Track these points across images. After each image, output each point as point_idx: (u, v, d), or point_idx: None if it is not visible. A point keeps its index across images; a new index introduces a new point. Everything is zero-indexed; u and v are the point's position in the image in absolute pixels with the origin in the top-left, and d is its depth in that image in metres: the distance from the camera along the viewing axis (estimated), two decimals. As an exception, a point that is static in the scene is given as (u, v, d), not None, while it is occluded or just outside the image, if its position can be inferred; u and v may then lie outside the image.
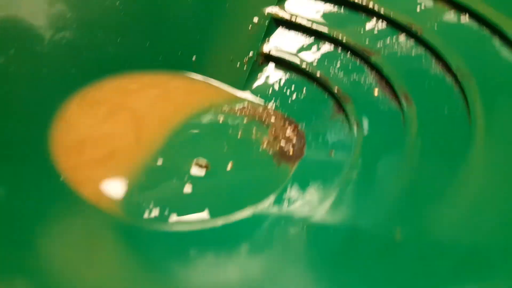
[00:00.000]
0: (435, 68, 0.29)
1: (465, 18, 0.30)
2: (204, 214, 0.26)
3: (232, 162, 0.30)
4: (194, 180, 0.29)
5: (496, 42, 0.27)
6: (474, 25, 0.29)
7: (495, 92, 0.25)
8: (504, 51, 0.26)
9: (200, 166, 0.30)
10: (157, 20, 0.38)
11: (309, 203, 0.25)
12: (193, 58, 0.38)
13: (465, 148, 0.24)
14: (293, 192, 0.28)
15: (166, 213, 0.26)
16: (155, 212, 0.26)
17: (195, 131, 0.33)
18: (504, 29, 0.27)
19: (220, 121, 0.34)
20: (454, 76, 0.27)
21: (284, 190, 0.29)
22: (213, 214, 0.27)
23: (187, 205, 0.27)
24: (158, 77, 0.36)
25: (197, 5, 0.38)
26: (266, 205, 0.27)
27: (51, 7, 0.34)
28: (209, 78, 0.38)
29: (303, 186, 0.27)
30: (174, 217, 0.26)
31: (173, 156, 0.30)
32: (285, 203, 0.26)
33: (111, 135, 0.30)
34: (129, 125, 0.31)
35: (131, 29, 0.37)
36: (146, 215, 0.26)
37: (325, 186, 0.26)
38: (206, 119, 0.34)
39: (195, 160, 0.30)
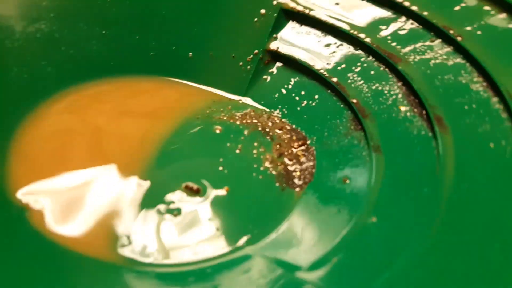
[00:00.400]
0: (478, 85, 0.24)
1: (518, 24, 0.24)
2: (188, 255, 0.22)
3: (228, 187, 0.26)
4: (182, 209, 0.25)
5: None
6: (530, 33, 0.24)
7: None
8: None
9: (191, 189, 0.25)
10: (149, 9, 0.33)
11: (305, 253, 0.21)
12: (190, 55, 0.34)
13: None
14: (294, 230, 0.23)
15: (144, 250, 0.22)
16: (132, 251, 0.22)
17: (187, 145, 0.28)
18: None
19: (217, 132, 0.30)
20: (502, 99, 0.22)
21: (286, 220, 0.24)
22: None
23: (169, 242, 0.23)
24: (146, 81, 0.31)
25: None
26: (259, 246, 0.23)
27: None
28: (206, 80, 0.33)
29: (306, 225, 0.23)
30: (153, 257, 0.22)
31: (160, 179, 0.26)
32: (280, 247, 0.22)
33: (88, 159, 0.25)
34: (109, 143, 0.26)
35: (118, 20, 0.32)
36: (124, 254, 0.22)
37: (330, 231, 0.22)
38: (201, 130, 0.30)
39: (184, 185, 0.25)
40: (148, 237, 0.23)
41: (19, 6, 0.29)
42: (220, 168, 0.27)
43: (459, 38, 0.26)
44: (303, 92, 0.32)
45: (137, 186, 0.25)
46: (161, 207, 0.24)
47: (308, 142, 0.30)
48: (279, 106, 0.32)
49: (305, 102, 0.31)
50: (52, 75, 0.29)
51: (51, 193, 0.24)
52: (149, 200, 0.25)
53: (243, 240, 0.23)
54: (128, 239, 0.23)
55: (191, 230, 0.24)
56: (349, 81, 0.30)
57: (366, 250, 0.20)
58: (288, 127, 0.31)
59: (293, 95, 0.32)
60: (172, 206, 0.25)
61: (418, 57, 0.27)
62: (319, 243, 0.22)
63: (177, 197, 0.25)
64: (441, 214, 0.20)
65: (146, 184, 0.25)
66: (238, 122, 0.31)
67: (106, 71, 0.31)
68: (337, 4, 0.32)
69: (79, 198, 0.24)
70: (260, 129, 0.31)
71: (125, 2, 0.32)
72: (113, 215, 0.23)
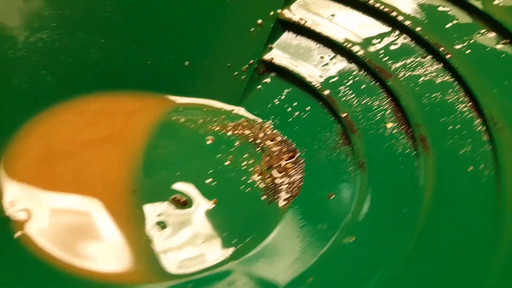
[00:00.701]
0: (463, 105, 0.24)
1: (506, 46, 0.24)
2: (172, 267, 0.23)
3: (216, 200, 0.27)
4: (168, 222, 0.25)
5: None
6: (518, 55, 0.24)
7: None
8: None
9: (178, 202, 0.26)
10: (148, 18, 0.33)
11: (285, 271, 0.22)
12: (186, 64, 0.34)
13: (494, 228, 0.19)
14: (276, 246, 0.24)
15: (128, 264, 0.23)
16: (116, 264, 0.23)
17: (177, 156, 0.29)
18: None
19: (209, 143, 0.31)
20: (484, 121, 0.22)
21: (270, 235, 0.25)
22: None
23: (153, 256, 0.24)
24: (140, 93, 0.32)
25: (194, 2, 0.33)
26: (242, 262, 0.23)
27: (27, 4, 0.30)
28: (201, 90, 0.34)
29: (288, 241, 0.24)
30: (136, 270, 0.23)
31: (147, 190, 0.27)
32: (262, 263, 0.23)
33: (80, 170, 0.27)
34: (107, 154, 0.27)
35: (117, 29, 0.33)
36: (107, 269, 0.23)
37: (311, 248, 0.22)
38: (193, 140, 0.30)
39: (172, 197, 0.26)
40: (132, 252, 0.24)
41: (23, 16, 0.30)
42: (209, 180, 0.28)
43: (448, 56, 0.26)
44: (295, 103, 0.32)
45: (124, 196, 0.26)
46: (148, 219, 0.25)
47: (298, 154, 0.30)
48: (272, 117, 0.33)
49: (297, 113, 0.32)
50: (51, 84, 0.30)
51: (38, 209, 0.25)
52: (136, 211, 0.26)
53: (226, 255, 0.24)
54: (113, 252, 0.24)
55: (176, 244, 0.24)
56: (340, 94, 0.30)
57: (342, 269, 0.21)
58: (279, 139, 0.31)
59: (286, 106, 0.33)
60: (158, 218, 0.26)
61: (408, 73, 0.28)
62: (298, 261, 0.22)
63: (164, 210, 0.26)
64: (416, 236, 0.20)
65: (133, 194, 0.26)
66: (230, 133, 0.32)
67: (104, 81, 0.32)
68: (332, 15, 0.32)
69: (62, 214, 0.25)
70: (251, 140, 0.31)
71: (124, 11, 0.33)
72: (97, 227, 0.24)
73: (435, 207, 0.21)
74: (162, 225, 0.25)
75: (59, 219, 0.24)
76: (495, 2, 0.26)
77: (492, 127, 0.22)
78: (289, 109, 0.32)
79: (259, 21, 0.34)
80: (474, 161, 0.21)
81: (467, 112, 0.24)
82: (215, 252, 0.24)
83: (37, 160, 0.26)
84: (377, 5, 0.30)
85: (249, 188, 0.28)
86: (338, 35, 0.31)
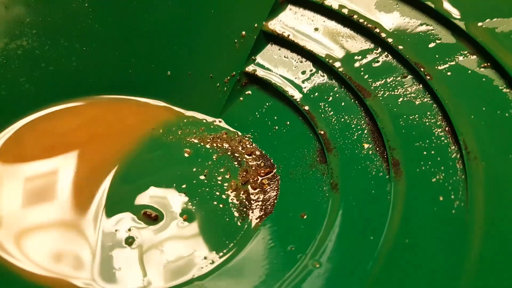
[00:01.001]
0: (440, 129, 0.24)
1: (487, 70, 0.24)
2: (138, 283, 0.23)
3: (187, 216, 0.26)
4: (137, 237, 0.25)
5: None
6: (497, 80, 0.23)
7: (504, 186, 0.19)
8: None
9: (149, 216, 0.26)
10: (130, 27, 0.33)
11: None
12: (168, 73, 0.34)
13: (461, 254, 0.19)
14: (243, 266, 0.24)
15: (93, 278, 0.23)
16: (80, 278, 0.23)
17: (152, 169, 0.29)
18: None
19: (186, 155, 0.30)
20: (459, 149, 0.22)
21: (239, 254, 0.25)
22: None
23: (118, 272, 0.24)
24: (120, 100, 0.32)
25: (177, 12, 0.33)
26: (207, 281, 0.23)
27: (7, 11, 0.30)
28: (182, 100, 0.33)
29: (256, 262, 0.23)
30: (101, 286, 0.23)
31: (119, 203, 0.26)
32: (227, 284, 0.23)
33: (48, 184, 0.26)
34: (70, 163, 0.27)
35: (99, 36, 0.32)
36: (73, 282, 0.23)
37: (276, 271, 0.22)
38: (170, 153, 0.30)
39: (143, 211, 0.26)
40: (98, 265, 0.24)
41: (3, 23, 0.30)
42: (182, 195, 0.27)
43: (428, 78, 0.25)
44: (276, 117, 0.32)
45: (93, 209, 0.26)
46: (117, 234, 0.25)
47: (275, 170, 0.30)
48: (252, 130, 0.32)
49: (276, 127, 0.31)
50: (30, 92, 0.30)
51: (8, 213, 0.25)
52: (105, 226, 0.25)
53: (192, 274, 0.24)
54: (79, 266, 0.24)
55: (142, 261, 0.24)
56: (320, 110, 0.30)
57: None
58: (258, 153, 0.31)
59: (266, 119, 0.32)
60: (127, 234, 0.25)
61: (387, 93, 0.27)
62: (262, 284, 0.22)
63: (134, 224, 0.25)
64: (380, 265, 0.20)
65: (103, 207, 0.26)
66: (208, 145, 0.31)
67: (84, 89, 0.32)
68: (316, 29, 0.31)
69: (32, 221, 0.25)
70: (229, 153, 0.31)
71: (107, 19, 0.33)
72: (66, 240, 0.24)
73: (401, 237, 0.20)
74: (130, 240, 0.25)
75: (27, 226, 0.24)
76: (478, 24, 0.25)
77: (465, 155, 0.21)
78: (269, 122, 0.32)
79: (243, 32, 0.33)
80: (446, 190, 0.21)
81: (443, 138, 0.23)
82: (181, 271, 0.24)
83: (8, 166, 0.26)
84: (361, 20, 0.30)
85: (222, 204, 0.27)
86: (320, 50, 0.31)
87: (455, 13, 0.26)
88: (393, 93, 0.27)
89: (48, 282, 0.23)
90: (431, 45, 0.27)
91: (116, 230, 0.25)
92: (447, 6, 0.26)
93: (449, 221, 0.20)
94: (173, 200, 0.27)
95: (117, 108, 0.32)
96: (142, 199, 0.27)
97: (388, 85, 0.27)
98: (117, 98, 0.33)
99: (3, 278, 0.23)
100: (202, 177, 0.29)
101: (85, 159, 0.29)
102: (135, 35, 0.33)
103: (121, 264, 0.24)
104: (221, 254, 0.25)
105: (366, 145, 0.26)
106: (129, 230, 0.25)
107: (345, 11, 0.30)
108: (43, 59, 0.31)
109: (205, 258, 0.25)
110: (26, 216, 0.25)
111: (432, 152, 0.23)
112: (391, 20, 0.29)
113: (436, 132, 0.24)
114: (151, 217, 0.26)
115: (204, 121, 0.33)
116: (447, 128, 0.24)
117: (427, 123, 0.25)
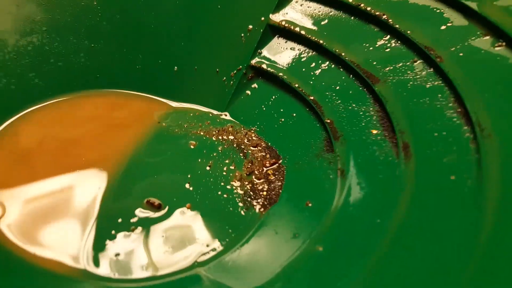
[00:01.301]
0: (452, 111, 0.22)
1: (501, 49, 0.22)
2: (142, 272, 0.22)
3: (190, 204, 0.26)
4: (140, 224, 0.25)
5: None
6: (512, 57, 0.22)
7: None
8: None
9: (152, 205, 0.25)
10: (137, 23, 0.33)
11: (249, 280, 0.20)
12: (175, 69, 0.34)
13: (473, 237, 0.17)
14: (246, 254, 0.23)
15: (98, 264, 0.23)
16: (87, 264, 0.23)
17: (158, 159, 0.28)
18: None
19: (191, 147, 0.30)
20: (472, 128, 0.20)
21: (242, 242, 0.24)
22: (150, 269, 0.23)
23: (122, 257, 0.23)
24: (127, 95, 0.32)
25: (183, 8, 0.33)
26: (210, 267, 0.22)
27: (19, 9, 0.31)
28: (189, 95, 0.33)
29: (259, 250, 0.22)
30: (106, 271, 0.22)
31: (124, 191, 0.26)
32: (229, 271, 0.22)
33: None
34: (78, 154, 0.27)
35: (107, 33, 0.33)
36: (79, 267, 0.23)
37: (280, 257, 0.21)
38: (176, 144, 0.30)
39: (146, 200, 0.25)
40: (103, 251, 0.23)
41: (14, 20, 0.31)
42: (187, 185, 0.27)
43: (438, 60, 0.24)
44: (282, 109, 0.31)
45: (99, 198, 0.25)
46: (120, 221, 0.25)
47: (280, 161, 0.29)
48: (258, 123, 0.32)
49: (283, 119, 0.31)
50: (38, 86, 0.31)
51: (14, 202, 0.25)
52: (109, 213, 0.25)
53: (194, 259, 0.23)
54: (85, 253, 0.23)
55: (145, 246, 0.24)
56: (327, 99, 0.29)
57: (307, 280, 0.19)
58: (264, 145, 0.30)
59: (272, 111, 0.31)
60: (131, 220, 0.25)
61: (397, 78, 0.26)
62: (266, 270, 0.21)
63: (137, 212, 0.25)
64: (385, 247, 0.19)
65: (109, 195, 0.26)
66: (214, 138, 0.31)
67: (92, 84, 0.33)
68: (323, 20, 0.31)
69: (41, 209, 0.25)
70: (235, 145, 0.30)
71: (114, 16, 0.33)
72: (71, 227, 0.24)
73: (410, 218, 0.19)
74: (133, 227, 0.24)
75: (31, 211, 0.24)
76: (493, 3, 0.24)
77: (478, 133, 0.20)
78: (276, 115, 0.31)
79: (250, 26, 0.33)
80: (458, 170, 0.20)
81: (455, 119, 0.22)
82: (183, 257, 0.23)
83: (15, 157, 0.26)
84: (369, 8, 0.29)
85: (226, 194, 0.27)
86: (327, 41, 0.30)
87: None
88: (403, 77, 0.26)
89: (51, 265, 0.23)
90: (442, 27, 0.26)
91: (120, 218, 0.25)
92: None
93: (462, 200, 0.18)
94: (178, 189, 0.26)
95: (124, 102, 0.32)
96: (146, 188, 0.26)
97: (398, 70, 0.27)
98: (124, 93, 0.33)
99: (7, 262, 0.23)
100: (207, 168, 0.28)
101: (91, 149, 0.29)
102: (142, 32, 0.34)
103: (125, 249, 0.24)
104: (223, 242, 0.24)
105: (374, 131, 0.25)
106: (133, 217, 0.25)
107: (351, 0, 0.29)
108: (52, 55, 0.32)
109: (207, 245, 0.24)
110: (29, 203, 0.25)
111: (444, 133, 0.22)
112: (400, 6, 0.28)
113: (448, 114, 0.23)
114: (154, 205, 0.25)
115: (210, 114, 0.33)
116: (459, 110, 0.23)
117: (438, 105, 0.23)
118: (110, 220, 0.25)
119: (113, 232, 0.24)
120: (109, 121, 0.31)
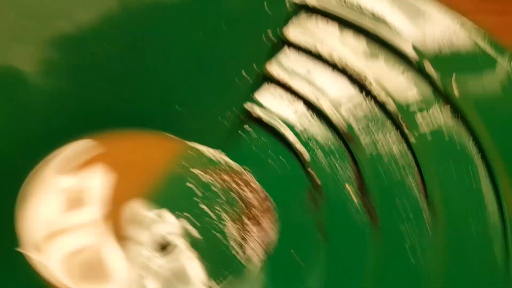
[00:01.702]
0: (415, 183, 0.26)
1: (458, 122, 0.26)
2: None
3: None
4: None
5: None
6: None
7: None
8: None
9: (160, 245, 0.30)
10: (145, 66, 0.36)
11: None
12: (176, 107, 0.37)
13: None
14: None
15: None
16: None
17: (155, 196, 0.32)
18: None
19: (189, 185, 0.33)
20: (427, 200, 0.24)
21: None
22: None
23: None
24: (130, 133, 0.35)
25: (190, 57, 0.36)
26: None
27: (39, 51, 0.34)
28: (186, 133, 0.37)
29: None
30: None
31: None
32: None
33: None
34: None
35: (120, 75, 0.36)
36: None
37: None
38: (173, 181, 0.33)
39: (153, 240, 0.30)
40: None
41: (35, 63, 0.34)
42: (182, 223, 0.31)
43: (405, 128, 0.28)
44: (270, 152, 0.35)
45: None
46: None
47: (270, 203, 0.33)
48: (250, 164, 0.35)
49: (272, 162, 0.34)
50: (61, 127, 0.34)
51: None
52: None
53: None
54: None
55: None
56: (308, 148, 0.32)
57: None
58: (254, 186, 0.34)
59: (262, 154, 0.35)
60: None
61: (368, 139, 0.30)
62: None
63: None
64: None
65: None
66: (208, 176, 0.34)
67: (103, 124, 0.36)
68: (308, 72, 0.34)
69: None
70: (228, 185, 0.34)
71: (127, 60, 0.36)
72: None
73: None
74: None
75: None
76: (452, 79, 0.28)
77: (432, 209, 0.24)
78: (265, 157, 0.35)
79: (243, 72, 0.36)
80: (410, 238, 0.24)
81: (417, 192, 0.26)
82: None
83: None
84: (349, 67, 0.32)
85: (220, 234, 0.31)
86: (310, 93, 0.34)
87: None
88: (373, 140, 0.30)
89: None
90: (410, 93, 0.29)
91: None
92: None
93: (410, 272, 0.23)
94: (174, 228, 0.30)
95: (127, 143, 0.36)
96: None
97: (370, 129, 0.30)
98: (127, 131, 0.36)
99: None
100: (202, 206, 0.32)
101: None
102: (149, 75, 0.37)
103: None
104: (218, 281, 0.28)
105: (348, 187, 0.29)
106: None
107: (334, 58, 0.33)
108: (69, 97, 0.35)
109: (204, 285, 0.28)
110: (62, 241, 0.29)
111: (405, 202, 0.26)
112: (375, 67, 0.31)
113: (407, 181, 0.27)
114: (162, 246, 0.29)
115: (206, 152, 0.36)
116: (418, 178, 0.26)
117: (401, 170, 0.27)
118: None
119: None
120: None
